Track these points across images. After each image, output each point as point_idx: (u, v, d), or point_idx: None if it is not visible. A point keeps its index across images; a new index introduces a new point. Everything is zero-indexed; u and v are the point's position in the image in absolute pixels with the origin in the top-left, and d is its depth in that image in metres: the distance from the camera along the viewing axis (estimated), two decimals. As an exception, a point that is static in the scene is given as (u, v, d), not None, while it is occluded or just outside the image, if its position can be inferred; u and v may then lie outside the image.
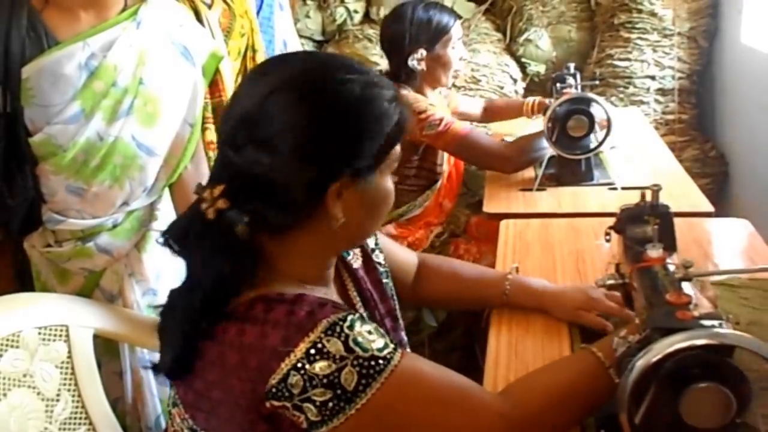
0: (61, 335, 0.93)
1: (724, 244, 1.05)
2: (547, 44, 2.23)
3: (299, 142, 0.53)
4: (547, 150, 1.37)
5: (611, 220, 0.74)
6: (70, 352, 0.93)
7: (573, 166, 1.36)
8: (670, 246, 0.64)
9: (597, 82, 1.97)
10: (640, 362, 0.46)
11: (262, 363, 0.51)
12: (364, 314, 0.69)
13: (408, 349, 0.73)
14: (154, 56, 0.97)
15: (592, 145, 1.33)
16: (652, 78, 2.08)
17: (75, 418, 0.93)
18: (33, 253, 1.07)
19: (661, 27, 2.06)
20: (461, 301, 0.89)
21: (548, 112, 1.32)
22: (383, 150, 0.56)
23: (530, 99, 1.66)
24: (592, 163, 1.38)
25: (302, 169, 0.53)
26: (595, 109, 1.31)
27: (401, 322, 0.77)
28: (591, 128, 1.31)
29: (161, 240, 0.58)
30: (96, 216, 1.01)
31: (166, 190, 1.10)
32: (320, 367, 0.50)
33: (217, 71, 1.12)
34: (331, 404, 0.50)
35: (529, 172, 1.45)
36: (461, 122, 1.41)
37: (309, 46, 2.33)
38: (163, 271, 1.12)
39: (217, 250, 0.54)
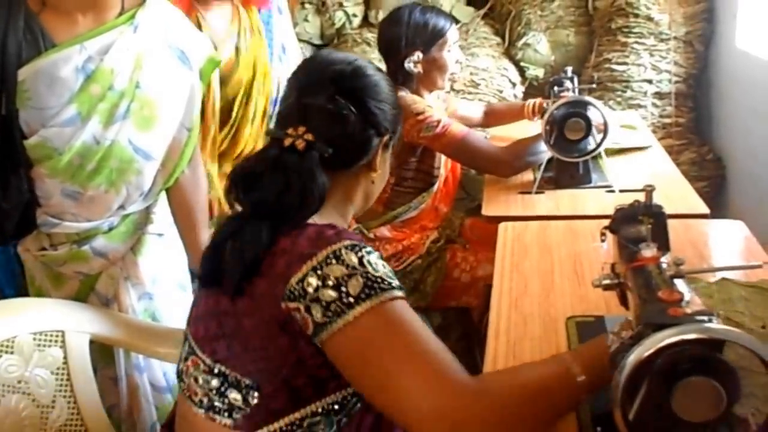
0: (56, 341, 0.93)
1: (720, 246, 1.06)
2: (545, 48, 2.25)
3: (376, 100, 0.69)
4: (545, 153, 1.38)
5: (609, 221, 0.75)
6: (65, 357, 0.92)
7: (571, 169, 1.37)
8: (664, 245, 0.65)
9: (595, 86, 1.99)
10: (632, 358, 0.47)
11: (289, 265, 0.60)
12: None
13: None
14: (150, 60, 0.97)
15: (590, 148, 1.35)
16: (650, 82, 2.09)
17: (70, 425, 0.92)
18: (27, 257, 1.05)
19: (657, 31, 2.07)
20: None
21: (546, 116, 1.34)
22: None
23: (531, 101, 1.67)
24: (589, 166, 1.39)
25: (371, 119, 0.69)
26: (592, 113, 1.32)
27: None
28: (588, 131, 1.32)
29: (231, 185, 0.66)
30: (91, 219, 1.00)
31: (163, 194, 1.10)
32: (334, 269, 0.58)
33: None
34: (334, 306, 0.57)
35: (527, 175, 1.46)
36: (458, 124, 1.42)
37: (308, 50, 2.35)
38: (159, 275, 1.11)
39: (301, 176, 0.64)
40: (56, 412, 0.91)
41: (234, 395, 0.64)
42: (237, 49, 1.32)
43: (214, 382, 0.65)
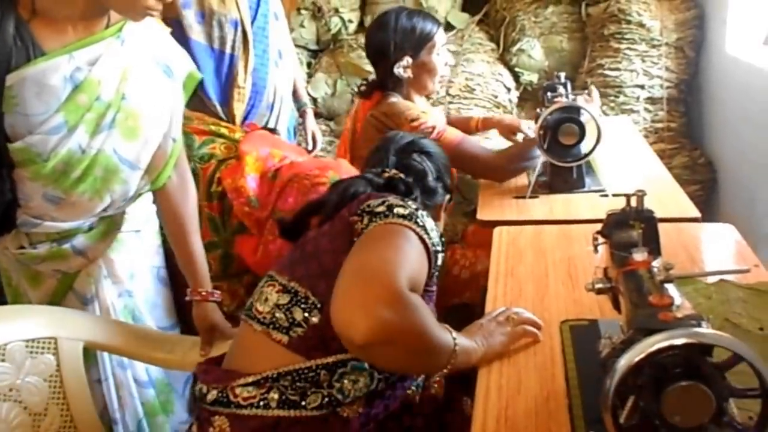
0: (49, 348, 0.92)
1: (711, 249, 1.07)
2: (539, 54, 2.27)
3: (438, 161, 0.96)
4: (539, 158, 1.40)
5: (601, 226, 0.76)
6: (58, 364, 0.92)
7: (565, 173, 1.38)
8: (655, 250, 0.66)
9: (588, 92, 2.00)
10: (623, 362, 0.48)
11: (368, 197, 0.79)
12: None
13: None
14: (136, 73, 0.99)
15: (583, 153, 1.36)
16: (642, 87, 2.12)
17: (63, 432, 0.91)
18: (3, 256, 1.06)
19: (649, 38, 2.10)
20: None
21: (539, 121, 1.35)
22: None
23: (476, 116, 1.71)
24: (583, 170, 1.40)
25: (441, 174, 0.95)
26: (585, 118, 1.34)
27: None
28: (582, 136, 1.34)
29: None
30: (72, 221, 1.02)
31: (143, 196, 1.11)
32: (395, 201, 0.77)
33: None
34: (378, 216, 0.75)
35: (522, 180, 1.47)
36: (453, 130, 1.43)
37: (304, 56, 2.36)
38: (137, 271, 1.13)
39: (382, 189, 0.87)
40: (48, 419, 0.91)
41: (298, 312, 0.74)
42: None
43: (284, 299, 0.75)
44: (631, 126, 1.92)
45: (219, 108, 1.40)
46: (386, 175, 0.88)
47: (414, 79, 1.43)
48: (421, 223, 0.74)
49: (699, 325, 0.49)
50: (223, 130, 1.33)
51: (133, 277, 1.13)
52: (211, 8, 1.36)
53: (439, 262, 0.78)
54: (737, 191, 1.96)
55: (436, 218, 0.91)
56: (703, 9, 2.14)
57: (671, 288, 0.57)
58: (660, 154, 1.79)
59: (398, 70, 1.40)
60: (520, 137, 1.61)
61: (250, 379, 0.73)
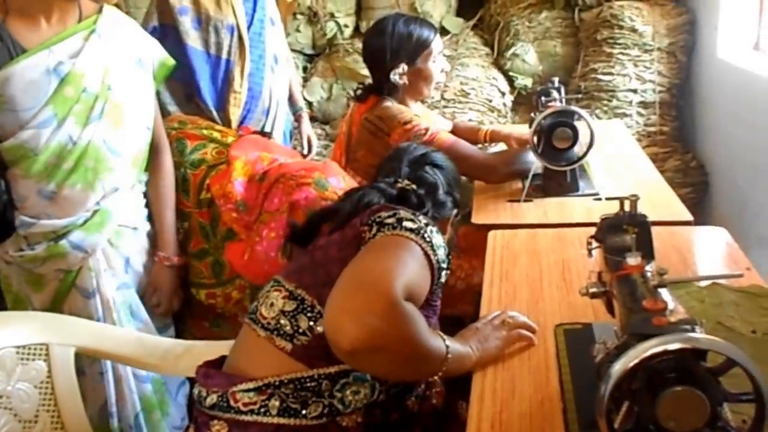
0: (40, 354, 0.92)
1: (703, 252, 1.08)
2: (533, 59, 2.29)
3: (448, 175, 0.96)
4: (533, 162, 1.40)
5: (595, 230, 0.76)
6: (49, 371, 0.91)
7: (559, 177, 1.39)
8: (648, 254, 0.66)
9: (581, 96, 2.02)
10: (617, 368, 0.48)
11: (380, 209, 0.79)
12: None
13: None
14: (117, 65, 1.04)
15: (577, 157, 1.36)
16: (634, 91, 2.14)
17: (53, 440, 0.90)
18: (2, 263, 1.08)
19: (641, 42, 2.12)
20: None
21: (534, 125, 1.36)
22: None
23: (485, 127, 1.70)
24: (577, 174, 1.41)
25: (451, 189, 0.95)
26: (578, 122, 1.35)
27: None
28: (575, 140, 1.35)
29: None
30: (67, 217, 1.04)
31: (135, 190, 1.16)
32: (405, 214, 0.77)
33: None
34: (386, 227, 0.75)
35: (516, 184, 1.47)
36: (446, 132, 1.43)
37: (300, 60, 2.36)
38: (135, 266, 1.17)
39: (394, 200, 0.87)
40: (39, 426, 0.90)
41: (303, 320, 0.74)
42: None
43: (290, 306, 0.75)
44: (624, 130, 1.93)
45: (215, 113, 1.40)
46: (399, 185, 0.89)
47: (410, 86, 1.43)
48: (428, 239, 0.74)
49: (693, 330, 0.50)
50: (216, 135, 1.33)
51: (130, 270, 1.15)
52: (208, 14, 1.36)
53: (443, 279, 0.78)
54: (729, 194, 1.98)
55: (442, 231, 0.90)
56: (695, 14, 2.17)
57: (664, 292, 0.57)
58: (652, 157, 1.80)
59: (394, 76, 1.40)
60: None
61: (251, 385, 0.73)
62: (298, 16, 2.30)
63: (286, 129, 1.71)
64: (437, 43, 1.45)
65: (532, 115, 1.60)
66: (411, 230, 0.74)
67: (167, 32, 1.34)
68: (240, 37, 1.39)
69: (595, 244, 0.73)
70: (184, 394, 1.25)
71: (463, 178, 1.74)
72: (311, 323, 0.73)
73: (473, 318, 0.88)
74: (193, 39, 1.35)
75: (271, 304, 0.77)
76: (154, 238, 1.22)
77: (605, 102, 2.15)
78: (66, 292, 1.10)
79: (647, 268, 0.62)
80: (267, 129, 1.48)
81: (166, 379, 1.20)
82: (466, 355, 0.75)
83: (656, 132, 2.15)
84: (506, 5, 2.32)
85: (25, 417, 0.89)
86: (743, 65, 1.85)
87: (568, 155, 1.36)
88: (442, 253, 0.76)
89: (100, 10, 1.05)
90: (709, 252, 1.08)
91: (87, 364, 1.09)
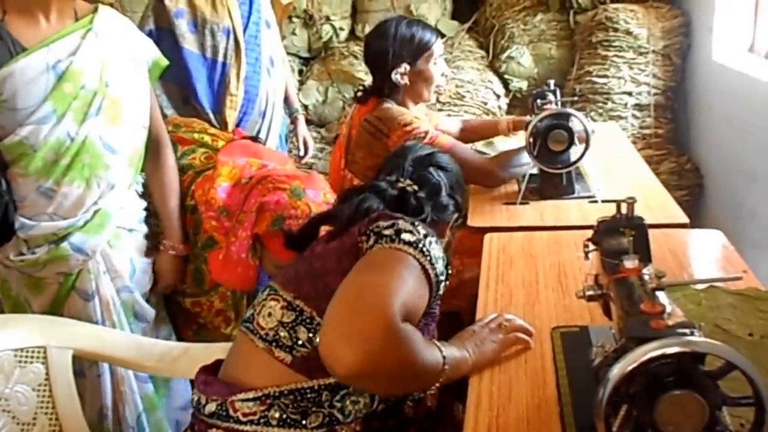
0: (38, 357, 0.92)
1: (700, 255, 1.08)
2: (528, 61, 2.29)
3: (452, 178, 0.93)
4: (529, 164, 1.40)
5: (592, 233, 0.76)
6: (47, 373, 0.91)
7: (554, 179, 1.39)
8: (645, 257, 0.66)
9: (576, 98, 2.03)
10: (615, 371, 0.48)
11: (378, 218, 0.77)
12: None
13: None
14: (113, 62, 1.06)
15: (572, 159, 1.37)
16: (629, 94, 2.14)
17: (52, 442, 0.90)
18: (0, 268, 1.08)
19: (636, 45, 2.13)
20: None
21: (529, 128, 1.36)
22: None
23: (505, 118, 1.70)
24: (573, 176, 1.41)
25: (454, 192, 0.92)
26: (574, 124, 1.35)
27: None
28: (571, 143, 1.35)
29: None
30: (67, 217, 1.05)
31: (131, 191, 1.17)
32: (404, 225, 0.74)
33: None
34: (384, 238, 0.73)
35: (512, 186, 1.47)
36: (445, 135, 1.43)
37: (295, 63, 2.36)
38: (136, 268, 1.17)
39: (393, 203, 0.85)
40: (37, 429, 0.90)
41: (302, 332, 0.73)
42: None
43: (288, 317, 0.74)
44: (619, 132, 1.94)
45: (212, 116, 1.39)
46: (400, 185, 0.87)
47: (410, 87, 1.44)
48: (426, 253, 0.72)
49: (691, 334, 0.49)
50: (207, 139, 1.33)
51: (132, 273, 1.16)
52: (204, 17, 1.36)
53: (441, 291, 0.76)
54: (724, 196, 1.98)
55: (441, 235, 0.89)
56: (690, 17, 2.18)
57: (662, 295, 0.57)
58: (647, 160, 1.81)
59: (396, 76, 1.41)
60: None
61: (251, 395, 0.72)
62: (294, 19, 2.30)
63: (282, 131, 1.71)
64: (438, 45, 1.46)
65: (526, 118, 1.60)
66: (409, 243, 0.71)
67: (163, 35, 1.34)
68: (236, 40, 1.38)
69: (591, 246, 0.73)
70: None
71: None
72: (310, 335, 0.72)
73: (469, 313, 0.88)
74: (189, 42, 1.35)
75: (269, 314, 0.75)
76: (149, 239, 1.23)
77: (600, 104, 2.16)
78: (66, 296, 1.10)
79: (644, 271, 0.62)
80: (263, 131, 1.47)
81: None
82: (462, 360, 0.75)
83: (651, 134, 2.16)
84: (501, 8, 2.33)
85: (24, 420, 0.89)
86: (738, 68, 1.87)
87: (564, 158, 1.36)
88: (440, 265, 0.74)
89: (95, 9, 1.06)
90: (706, 254, 1.08)
91: (87, 366, 1.09)
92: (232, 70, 1.39)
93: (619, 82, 2.13)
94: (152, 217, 1.25)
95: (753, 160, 1.75)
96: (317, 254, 0.79)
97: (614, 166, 1.55)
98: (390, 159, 0.95)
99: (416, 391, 0.77)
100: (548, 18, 2.29)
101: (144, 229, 1.22)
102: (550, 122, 1.34)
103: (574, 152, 1.36)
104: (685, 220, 1.24)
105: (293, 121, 1.82)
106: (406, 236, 0.72)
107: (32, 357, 0.92)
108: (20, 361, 0.90)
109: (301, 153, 1.82)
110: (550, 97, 1.54)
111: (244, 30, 1.41)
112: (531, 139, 1.35)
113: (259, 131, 1.47)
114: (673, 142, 2.20)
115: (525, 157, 1.40)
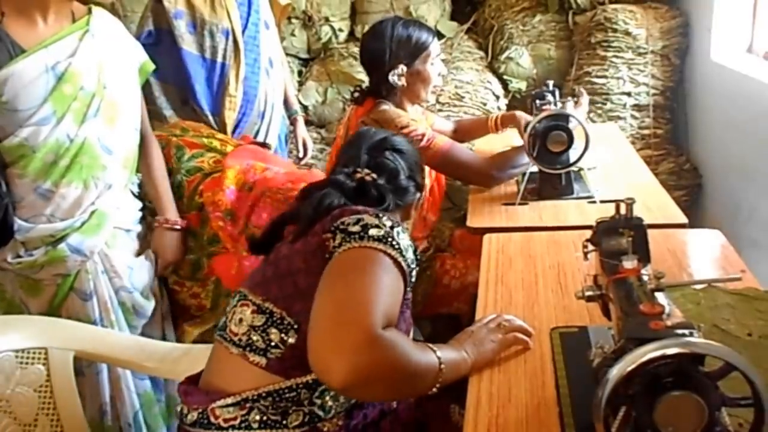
0: (39, 358, 0.92)
1: (698, 255, 1.08)
2: (527, 62, 2.29)
3: (410, 159, 0.92)
4: (527, 165, 1.40)
5: (591, 233, 0.76)
6: (48, 375, 0.92)
7: (553, 180, 1.39)
8: (644, 257, 0.66)
9: (575, 99, 2.02)
10: (614, 372, 0.48)
11: (342, 214, 0.76)
12: None
13: None
14: (109, 63, 1.07)
15: (572, 160, 1.37)
16: (628, 94, 2.14)
17: (53, 443, 0.90)
18: None
19: (635, 45, 2.13)
20: None
21: (528, 129, 1.36)
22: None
23: (493, 115, 1.68)
24: (572, 177, 1.41)
25: (413, 173, 0.91)
26: (573, 125, 1.35)
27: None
28: (570, 143, 1.35)
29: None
30: (65, 218, 1.05)
31: (127, 192, 1.18)
32: (370, 219, 0.73)
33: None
34: (352, 236, 0.71)
35: (511, 187, 1.47)
36: (442, 137, 1.43)
37: (295, 64, 2.36)
38: (134, 268, 1.18)
39: (354, 194, 0.84)
40: (38, 430, 0.91)
41: (274, 333, 0.73)
42: None
43: (259, 320, 0.73)
44: (618, 133, 1.94)
45: (211, 117, 1.40)
46: (358, 176, 0.85)
47: (407, 88, 1.43)
48: (396, 245, 0.72)
49: (691, 335, 0.49)
50: (215, 144, 1.33)
51: (130, 274, 1.16)
52: (203, 18, 1.36)
53: (413, 278, 0.76)
54: (722, 197, 1.99)
55: (406, 217, 0.90)
56: (688, 17, 2.18)
57: (661, 296, 0.57)
58: (646, 160, 1.81)
59: (393, 77, 1.40)
60: None
61: (230, 400, 0.73)
62: (293, 21, 2.30)
63: (281, 132, 1.71)
64: (435, 46, 1.45)
65: (516, 112, 1.60)
66: (378, 239, 0.71)
67: (162, 37, 1.34)
68: (235, 41, 1.39)
69: (590, 247, 0.73)
70: None
71: (459, 182, 1.76)
72: (283, 335, 0.72)
73: (470, 316, 0.88)
74: (188, 43, 1.35)
75: (240, 320, 0.75)
76: (145, 238, 1.23)
77: (599, 105, 2.16)
78: (64, 297, 1.10)
79: (643, 271, 0.62)
80: (262, 133, 1.48)
81: None
82: (461, 360, 0.75)
83: (650, 135, 2.16)
84: (500, 9, 2.33)
85: (25, 420, 0.90)
86: (737, 68, 1.87)
87: (563, 158, 1.36)
88: (410, 254, 0.74)
89: (89, 11, 1.07)
90: (705, 254, 1.09)
91: (86, 365, 1.10)
92: (231, 70, 1.39)
93: (618, 83, 2.14)
94: (149, 216, 1.25)
95: (752, 160, 1.76)
96: (283, 256, 0.78)
97: (613, 167, 1.55)
98: (345, 149, 0.93)
99: (418, 395, 0.77)
100: (547, 19, 2.29)
101: (140, 228, 1.22)
102: (549, 123, 1.34)
103: (574, 153, 1.36)
104: (684, 220, 1.24)
105: (292, 122, 1.82)
106: (373, 231, 0.71)
107: (33, 358, 0.92)
108: (21, 363, 0.91)
109: (301, 154, 1.82)
110: (549, 97, 1.54)
111: (243, 31, 1.42)
112: (530, 140, 1.35)
113: (258, 132, 1.47)
114: (672, 142, 2.20)
115: (523, 157, 1.40)
